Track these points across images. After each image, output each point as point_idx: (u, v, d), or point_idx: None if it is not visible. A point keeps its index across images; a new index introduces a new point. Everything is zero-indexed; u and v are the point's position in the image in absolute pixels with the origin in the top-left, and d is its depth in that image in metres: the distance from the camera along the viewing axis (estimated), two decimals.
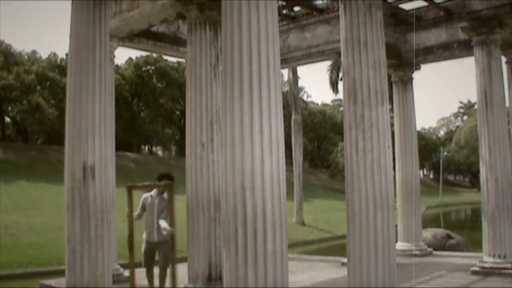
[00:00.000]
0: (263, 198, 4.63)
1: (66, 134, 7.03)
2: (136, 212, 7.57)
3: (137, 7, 9.20)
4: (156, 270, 7.76)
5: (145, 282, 9.78)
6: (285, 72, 31.30)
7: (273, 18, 4.89)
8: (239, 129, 4.69)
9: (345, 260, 6.93)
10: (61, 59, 39.51)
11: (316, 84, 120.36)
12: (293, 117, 27.68)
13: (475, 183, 67.40)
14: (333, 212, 30.02)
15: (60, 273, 9.29)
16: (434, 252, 12.35)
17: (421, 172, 64.57)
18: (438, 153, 64.72)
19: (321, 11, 11.67)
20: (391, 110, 12.78)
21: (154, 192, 7.78)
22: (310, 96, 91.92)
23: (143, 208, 7.83)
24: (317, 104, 64.37)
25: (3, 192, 22.32)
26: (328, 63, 35.62)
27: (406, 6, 11.80)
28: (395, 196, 7.31)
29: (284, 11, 11.92)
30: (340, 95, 42.62)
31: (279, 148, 4.80)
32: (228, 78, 4.81)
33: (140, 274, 10.59)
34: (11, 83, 34.25)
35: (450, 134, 76.46)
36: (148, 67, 44.17)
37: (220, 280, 7.41)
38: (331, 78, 37.23)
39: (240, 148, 4.68)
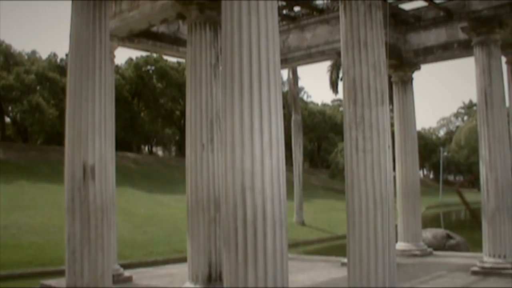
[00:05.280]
0: (263, 198, 4.64)
1: (66, 134, 7.03)
2: None
3: (137, 7, 9.20)
4: None
5: (145, 282, 9.83)
6: (285, 72, 31.33)
7: (273, 18, 4.89)
8: (239, 129, 4.69)
9: (345, 260, 6.93)
10: (61, 59, 39.50)
11: (316, 84, 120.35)
12: (293, 117, 27.69)
13: (475, 183, 67.33)
14: (333, 212, 30.02)
15: (60, 273, 9.28)
16: (434, 252, 12.35)
17: (421, 172, 64.56)
18: (438, 153, 64.67)
19: (321, 11, 11.67)
20: (391, 110, 12.79)
21: None
22: (310, 96, 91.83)
23: None
24: (317, 104, 64.35)
25: (3, 192, 22.31)
26: (328, 63, 35.51)
27: (406, 6, 11.80)
28: (395, 196, 7.30)
29: (284, 11, 11.93)
30: (340, 95, 42.59)
31: (279, 148, 4.80)
32: (228, 78, 4.81)
33: (144, 274, 10.64)
34: (11, 83, 34.24)
35: (450, 134, 76.40)
36: (148, 67, 44.16)
37: (220, 280, 7.42)
38: (331, 78, 37.13)
39: (240, 148, 4.68)
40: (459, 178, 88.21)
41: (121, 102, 34.90)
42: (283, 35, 12.07)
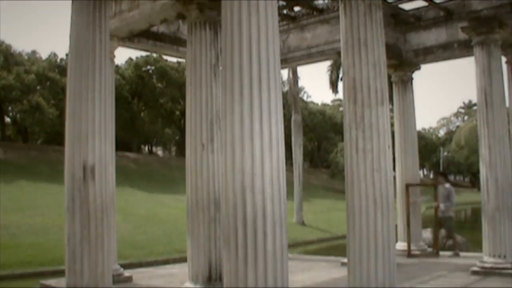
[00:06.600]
0: (263, 198, 4.63)
1: (66, 134, 7.03)
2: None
3: (137, 7, 9.20)
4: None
5: (145, 282, 9.83)
6: (285, 72, 31.35)
7: (273, 18, 4.89)
8: (239, 129, 4.69)
9: (345, 260, 6.93)
10: (61, 59, 39.54)
11: (316, 84, 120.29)
12: (293, 117, 27.70)
13: (475, 183, 67.33)
14: (333, 212, 30.03)
15: (60, 273, 9.29)
16: (435, 251, 12.34)
17: (421, 172, 64.55)
18: (438, 153, 64.66)
19: (321, 11, 11.67)
20: (391, 110, 12.80)
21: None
22: (310, 96, 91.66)
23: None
24: (317, 104, 64.38)
25: (3, 192, 22.31)
26: (328, 63, 35.60)
27: (406, 6, 11.80)
28: (395, 196, 7.30)
29: (284, 11, 11.92)
30: (340, 95, 42.65)
31: (279, 148, 4.79)
32: (228, 78, 4.81)
33: (144, 274, 10.66)
34: (11, 83, 34.25)
35: (450, 134, 76.35)
36: (148, 67, 44.18)
37: (220, 280, 7.41)
38: (331, 78, 37.20)
39: (240, 148, 4.68)
40: (459, 178, 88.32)
41: (121, 102, 34.95)
42: (283, 35, 12.06)
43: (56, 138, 36.52)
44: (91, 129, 6.81)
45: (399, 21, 11.93)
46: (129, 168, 35.04)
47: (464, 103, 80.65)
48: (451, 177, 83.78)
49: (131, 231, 19.22)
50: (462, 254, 11.99)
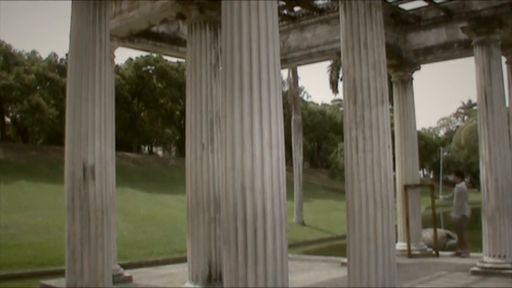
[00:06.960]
0: (263, 198, 4.64)
1: (66, 134, 7.03)
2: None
3: (137, 7, 9.20)
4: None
5: (145, 282, 9.84)
6: (285, 72, 31.35)
7: (273, 18, 4.89)
8: (239, 129, 4.69)
9: (345, 260, 6.93)
10: (61, 59, 39.51)
11: (316, 84, 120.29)
12: (293, 117, 27.70)
13: (475, 183, 67.34)
14: (333, 212, 30.02)
15: (60, 273, 9.29)
16: (434, 252, 12.35)
17: (421, 172, 64.50)
18: (438, 153, 64.59)
19: (321, 11, 11.67)
20: (391, 110, 12.80)
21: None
22: (310, 96, 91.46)
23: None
24: (317, 104, 64.31)
25: (3, 192, 22.32)
26: (328, 63, 35.61)
27: (406, 6, 11.80)
28: (395, 196, 7.29)
29: (284, 11, 11.92)
30: (340, 95, 42.64)
31: (279, 148, 4.80)
32: (228, 79, 4.81)
33: (144, 274, 10.67)
34: (11, 83, 34.23)
35: (450, 134, 76.36)
36: (148, 67, 44.15)
37: (220, 280, 7.42)
38: (331, 78, 37.20)
39: (240, 148, 4.68)
40: None
41: (121, 102, 34.94)
42: (283, 35, 12.07)
43: (56, 138, 36.52)
44: (91, 129, 6.82)
45: (399, 21, 11.94)
46: (129, 168, 35.04)
47: (463, 103, 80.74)
48: (451, 178, 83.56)
49: (131, 231, 19.23)
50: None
